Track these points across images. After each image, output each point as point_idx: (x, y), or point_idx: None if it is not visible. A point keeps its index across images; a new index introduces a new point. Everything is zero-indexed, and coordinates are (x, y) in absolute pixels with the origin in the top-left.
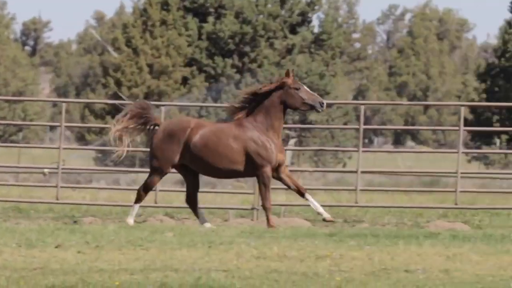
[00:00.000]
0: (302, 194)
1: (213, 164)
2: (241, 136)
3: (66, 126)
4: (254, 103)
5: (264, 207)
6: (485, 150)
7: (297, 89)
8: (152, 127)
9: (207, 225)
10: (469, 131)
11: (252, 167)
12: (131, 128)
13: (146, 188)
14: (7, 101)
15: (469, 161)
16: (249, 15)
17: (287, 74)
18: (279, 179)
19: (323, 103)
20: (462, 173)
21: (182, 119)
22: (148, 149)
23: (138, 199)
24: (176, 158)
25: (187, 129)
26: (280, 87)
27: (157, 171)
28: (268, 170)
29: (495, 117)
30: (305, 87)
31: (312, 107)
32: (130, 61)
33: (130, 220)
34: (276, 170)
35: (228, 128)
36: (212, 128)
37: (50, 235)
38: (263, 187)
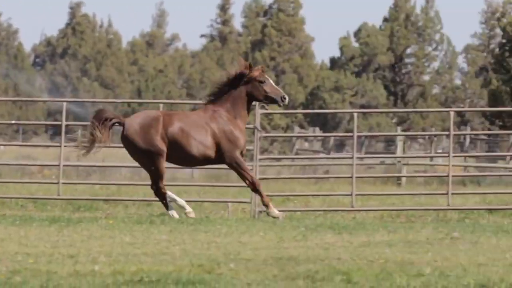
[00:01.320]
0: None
1: (187, 152)
2: (210, 123)
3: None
4: (223, 93)
5: (253, 188)
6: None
7: (261, 82)
8: (115, 124)
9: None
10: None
11: (221, 153)
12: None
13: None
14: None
15: None
16: None
17: (250, 67)
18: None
19: (285, 98)
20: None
21: (149, 112)
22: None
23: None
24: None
25: (160, 118)
26: (247, 80)
27: (156, 159)
28: (237, 154)
29: None
30: (271, 81)
31: (273, 101)
32: None
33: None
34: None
35: (197, 116)
36: (183, 116)
37: None
38: (239, 168)
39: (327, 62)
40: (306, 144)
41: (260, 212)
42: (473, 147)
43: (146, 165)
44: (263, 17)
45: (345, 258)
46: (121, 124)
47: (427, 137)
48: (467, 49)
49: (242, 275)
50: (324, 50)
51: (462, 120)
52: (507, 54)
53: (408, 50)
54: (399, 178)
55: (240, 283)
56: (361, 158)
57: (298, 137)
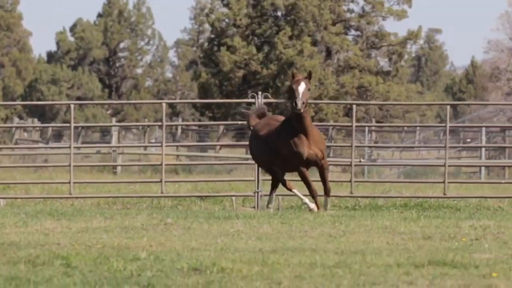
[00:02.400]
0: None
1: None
2: None
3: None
4: None
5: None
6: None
7: None
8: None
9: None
10: None
11: None
12: None
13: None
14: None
15: None
16: None
17: None
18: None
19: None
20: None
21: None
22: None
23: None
24: None
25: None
26: None
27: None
28: None
29: None
30: None
31: None
32: None
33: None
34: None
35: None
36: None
37: None
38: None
39: (44, 56)
40: (26, 134)
41: None
42: (184, 137)
43: None
44: None
45: (64, 243)
46: None
47: (140, 127)
48: (178, 43)
49: None
50: (41, 44)
51: (173, 111)
52: (215, 48)
53: (122, 45)
54: (114, 166)
55: None
56: (78, 148)
57: (17, 127)
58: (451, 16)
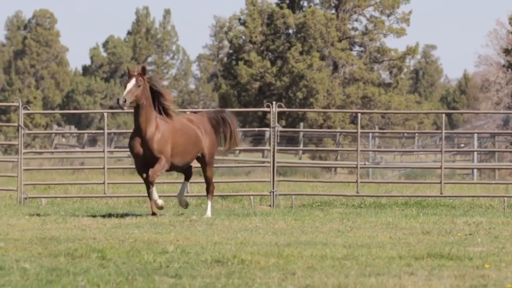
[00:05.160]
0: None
1: None
2: None
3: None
4: None
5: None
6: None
7: None
8: None
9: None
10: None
11: None
12: None
13: None
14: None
15: None
16: None
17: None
18: None
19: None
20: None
21: None
22: None
23: None
24: None
25: None
26: None
27: None
28: None
29: None
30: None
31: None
32: None
33: None
34: None
35: None
36: None
37: None
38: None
39: (80, 69)
40: (64, 140)
41: (26, 198)
42: None
43: None
44: (24, 30)
45: (100, 238)
46: None
47: None
48: (200, 58)
49: (11, 253)
50: (77, 59)
51: None
52: (234, 62)
53: (149, 59)
54: None
55: (9, 260)
56: (111, 152)
57: (56, 133)
58: (445, 33)
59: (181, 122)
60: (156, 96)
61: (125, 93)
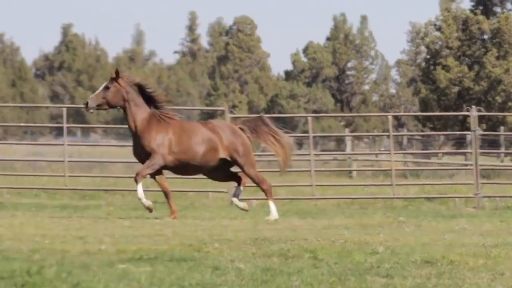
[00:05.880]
0: None
1: None
2: None
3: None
4: None
5: None
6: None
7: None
8: None
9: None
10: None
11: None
12: None
13: None
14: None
15: None
16: None
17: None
18: None
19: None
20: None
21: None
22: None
23: None
24: None
25: None
26: None
27: None
28: None
29: None
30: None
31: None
32: None
33: None
34: None
35: None
36: None
37: None
38: None
39: (282, 74)
40: None
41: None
42: (410, 146)
43: None
44: (225, 36)
45: (311, 239)
46: None
47: (370, 137)
48: (398, 63)
49: (226, 253)
50: (278, 64)
51: (399, 123)
52: (431, 67)
53: (349, 64)
54: (350, 171)
55: (224, 260)
56: (317, 155)
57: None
58: None
59: (183, 122)
60: (151, 101)
61: (92, 95)
